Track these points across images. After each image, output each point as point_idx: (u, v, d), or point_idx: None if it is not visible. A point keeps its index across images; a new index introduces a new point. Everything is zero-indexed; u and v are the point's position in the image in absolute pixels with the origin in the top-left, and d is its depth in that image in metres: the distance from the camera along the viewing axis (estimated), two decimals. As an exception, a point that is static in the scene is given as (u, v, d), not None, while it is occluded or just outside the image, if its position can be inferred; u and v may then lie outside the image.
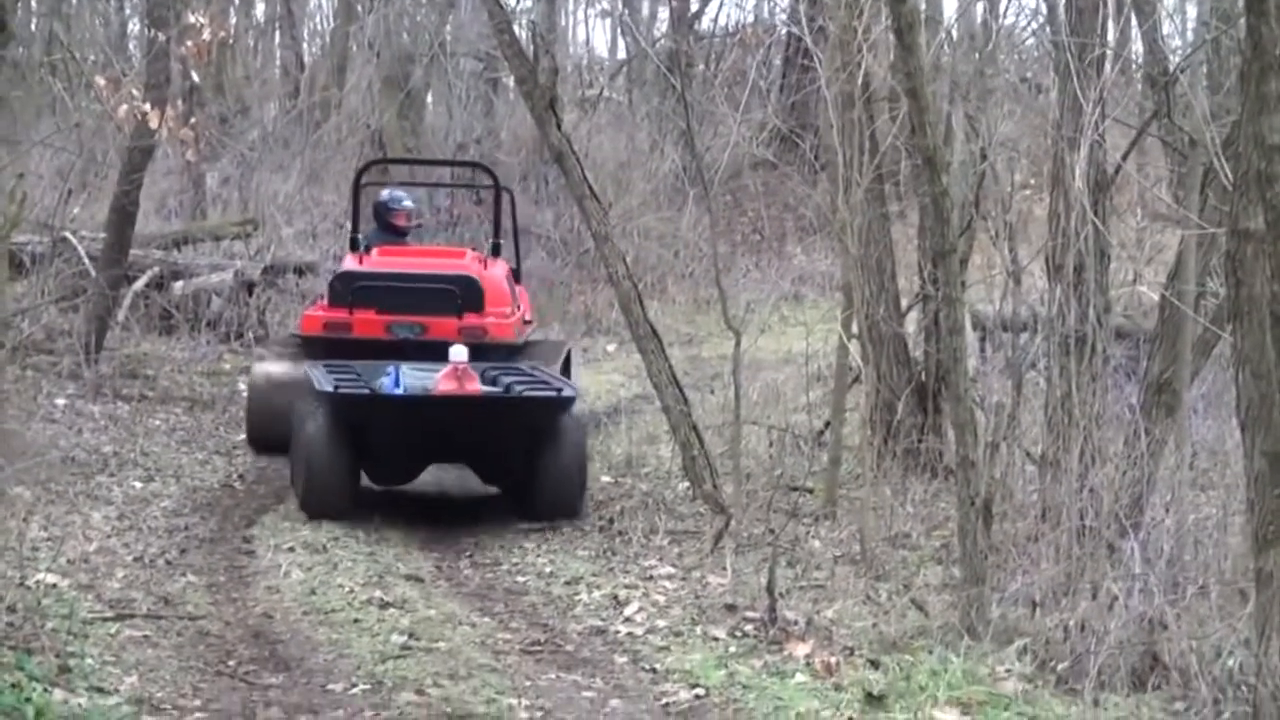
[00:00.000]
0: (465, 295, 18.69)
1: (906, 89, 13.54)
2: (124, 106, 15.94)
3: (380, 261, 19.45)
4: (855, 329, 16.84)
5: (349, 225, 21.12)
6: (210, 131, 28.64)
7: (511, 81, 29.88)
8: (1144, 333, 15.69)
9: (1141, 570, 11.54)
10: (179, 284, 25.45)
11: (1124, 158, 15.91)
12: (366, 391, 16.07)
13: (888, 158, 17.08)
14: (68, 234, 24.88)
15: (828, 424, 17.35)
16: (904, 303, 17.83)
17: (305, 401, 16.40)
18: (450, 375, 15.96)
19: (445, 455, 16.74)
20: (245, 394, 20.08)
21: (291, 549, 15.23)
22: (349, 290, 18.68)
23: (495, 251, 20.34)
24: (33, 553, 14.23)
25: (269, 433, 18.41)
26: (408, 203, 21.37)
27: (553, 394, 16.19)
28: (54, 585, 13.18)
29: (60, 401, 21.05)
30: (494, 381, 16.56)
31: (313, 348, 18.43)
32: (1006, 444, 14.62)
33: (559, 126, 16.47)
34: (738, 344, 16.06)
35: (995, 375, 15.84)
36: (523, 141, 31.31)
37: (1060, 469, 13.73)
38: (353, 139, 32.04)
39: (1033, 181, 19.09)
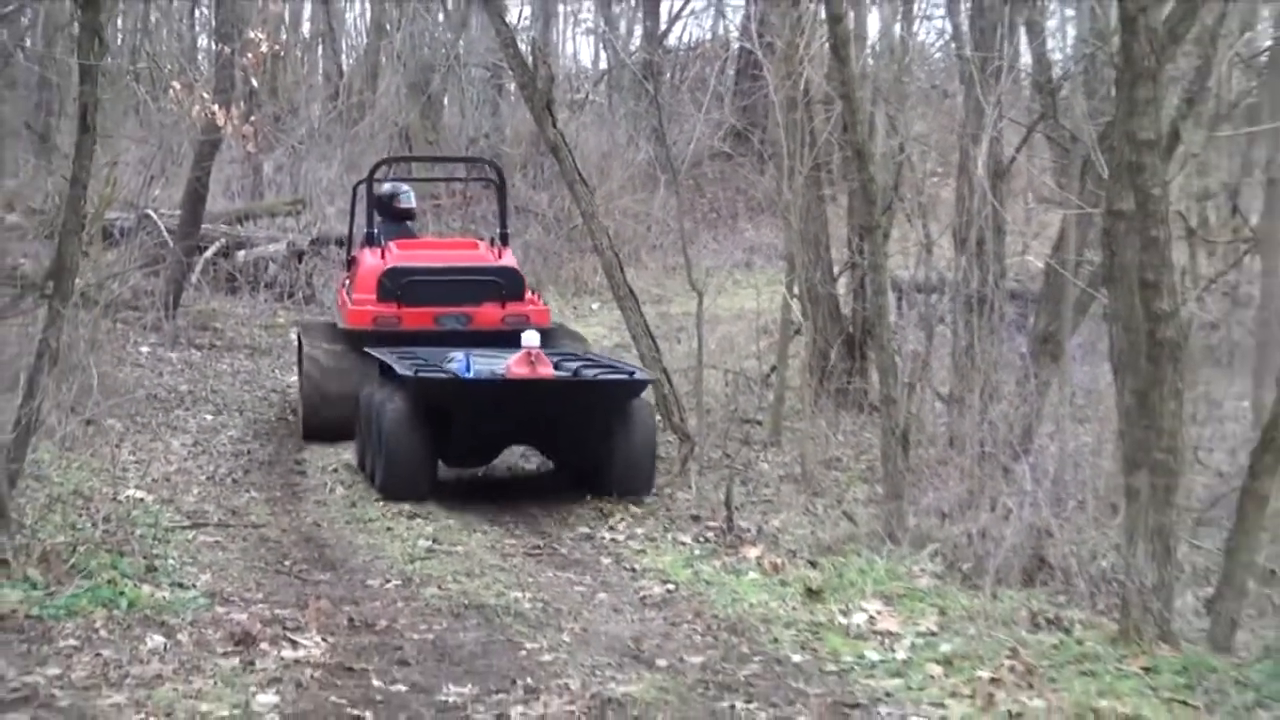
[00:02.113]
0: (508, 286, 16.90)
1: (840, 94, 13.54)
2: (196, 107, 15.86)
3: (417, 256, 17.37)
4: (796, 290, 16.85)
5: (358, 221, 18.64)
6: (266, 128, 28.45)
7: (514, 86, 29.77)
8: (1032, 294, 15.71)
9: (1031, 488, 11.57)
10: (241, 253, 25.45)
11: (1017, 151, 15.89)
12: (447, 376, 14.02)
13: (823, 150, 17.04)
14: (150, 212, 24.80)
15: (773, 368, 17.36)
16: (836, 269, 17.82)
17: (380, 388, 14.73)
18: (523, 360, 13.87)
19: (520, 438, 14.82)
20: (300, 387, 17.49)
21: (335, 470, 15.25)
22: (397, 285, 16.67)
23: (504, 241, 18.11)
24: (123, 473, 14.25)
25: (328, 421, 16.53)
26: (405, 187, 19.22)
27: (626, 377, 14.25)
28: (141, 499, 13.19)
29: (144, 349, 21.04)
30: (557, 366, 14.36)
31: (360, 340, 16.31)
32: (920, 385, 14.67)
33: (554, 124, 16.41)
34: (700, 302, 16.03)
35: (911, 328, 15.84)
36: (522, 136, 31.10)
37: (964, 405, 13.76)
38: (383, 134, 31.84)
39: (941, 170, 19.07)
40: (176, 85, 17.36)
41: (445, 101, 34.29)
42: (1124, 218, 8.88)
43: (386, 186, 19.06)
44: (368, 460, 14.72)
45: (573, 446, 14.49)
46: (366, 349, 15.65)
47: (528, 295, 17.07)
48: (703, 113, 26.85)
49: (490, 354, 14.59)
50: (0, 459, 10.30)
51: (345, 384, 16.24)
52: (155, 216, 24.55)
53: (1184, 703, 7.78)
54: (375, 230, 17.87)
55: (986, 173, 14.15)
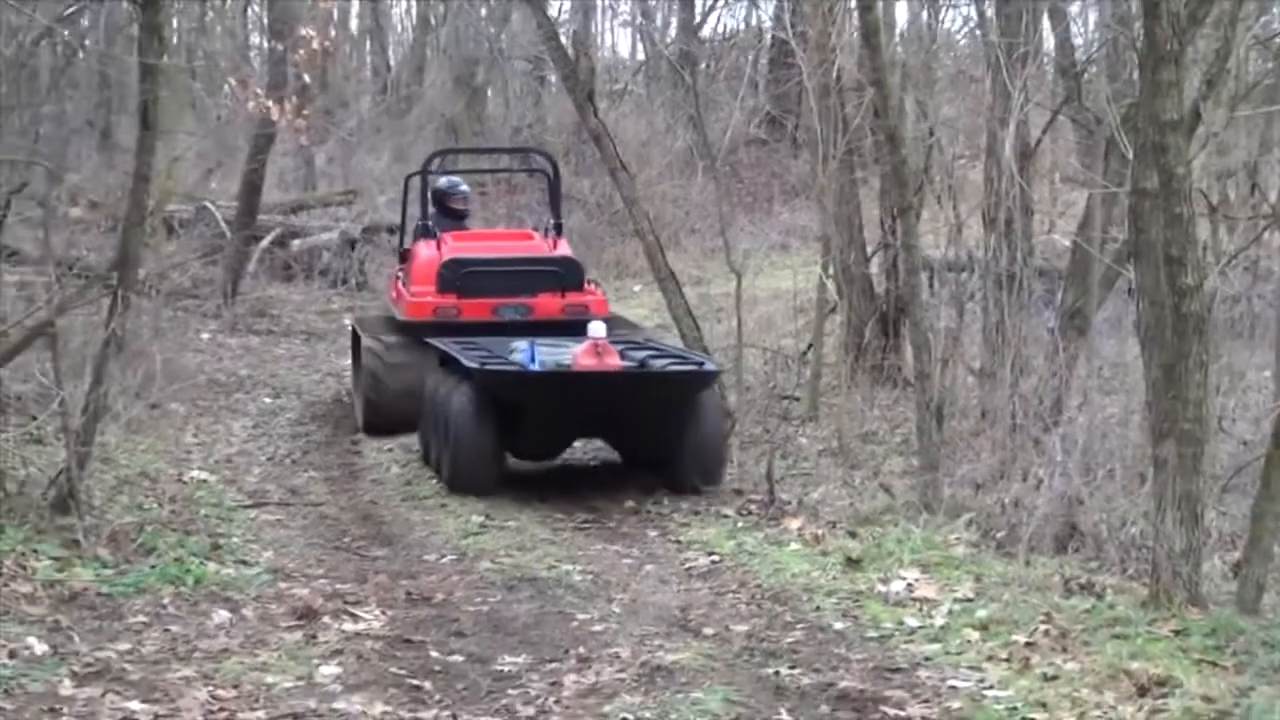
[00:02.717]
0: (567, 275, 16.18)
1: (871, 80, 13.52)
2: (251, 102, 15.87)
3: (474, 247, 16.68)
4: (831, 271, 16.83)
5: (411, 213, 17.81)
6: (318, 121, 28.46)
7: (556, 78, 29.74)
8: (1059, 271, 15.64)
9: (1061, 458, 11.53)
10: (296, 242, 25.54)
11: (1043, 133, 15.87)
12: (513, 368, 13.31)
13: (855, 135, 16.98)
14: (208, 203, 24.96)
15: (810, 346, 17.32)
16: (869, 249, 17.77)
17: (445, 380, 13.93)
18: (590, 351, 13.08)
19: (587, 430, 14.02)
20: (362, 381, 16.27)
21: (390, 449, 15.24)
22: (457, 276, 15.90)
23: (558, 232, 17.18)
24: (187, 455, 14.35)
25: (389, 415, 15.63)
26: (464, 187, 18.29)
27: (695, 368, 13.57)
28: (205, 480, 13.26)
29: (205, 335, 21.14)
30: (623, 356, 13.45)
31: (420, 332, 15.43)
32: (952, 360, 14.64)
33: (595, 113, 16.39)
34: (738, 283, 15.99)
35: (942, 306, 15.76)
36: (564, 126, 31.03)
37: (995, 379, 13.75)
38: (430, 126, 31.86)
39: (969, 152, 19.02)
40: (232, 82, 17.39)
41: (489, 93, 34.30)
42: (1149, 196, 8.83)
43: (442, 181, 18.24)
44: (433, 453, 14.11)
45: (640, 438, 13.72)
46: (428, 340, 14.95)
47: (586, 285, 16.47)
48: (738, 101, 26.83)
49: (554, 343, 13.88)
50: (70, 443, 10.36)
51: (405, 377, 15.46)
52: (213, 208, 24.73)
53: (1213, 663, 7.75)
54: (430, 223, 17.14)
55: (1014, 155, 14.11)
